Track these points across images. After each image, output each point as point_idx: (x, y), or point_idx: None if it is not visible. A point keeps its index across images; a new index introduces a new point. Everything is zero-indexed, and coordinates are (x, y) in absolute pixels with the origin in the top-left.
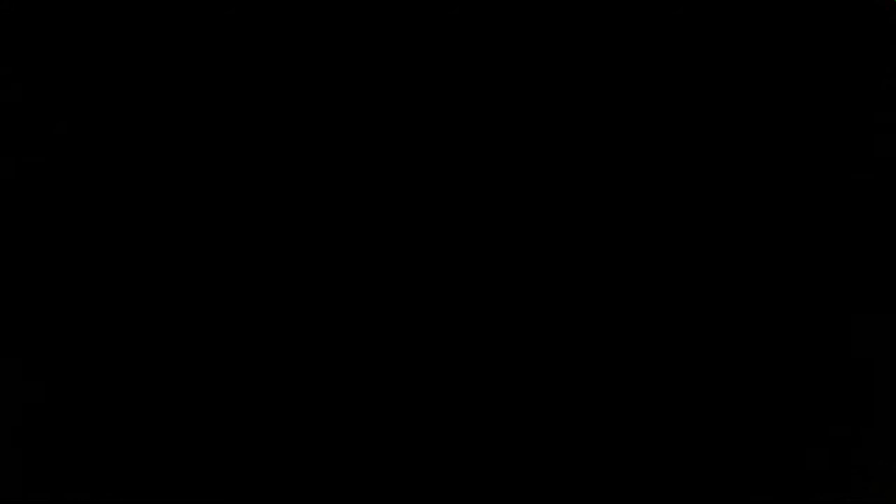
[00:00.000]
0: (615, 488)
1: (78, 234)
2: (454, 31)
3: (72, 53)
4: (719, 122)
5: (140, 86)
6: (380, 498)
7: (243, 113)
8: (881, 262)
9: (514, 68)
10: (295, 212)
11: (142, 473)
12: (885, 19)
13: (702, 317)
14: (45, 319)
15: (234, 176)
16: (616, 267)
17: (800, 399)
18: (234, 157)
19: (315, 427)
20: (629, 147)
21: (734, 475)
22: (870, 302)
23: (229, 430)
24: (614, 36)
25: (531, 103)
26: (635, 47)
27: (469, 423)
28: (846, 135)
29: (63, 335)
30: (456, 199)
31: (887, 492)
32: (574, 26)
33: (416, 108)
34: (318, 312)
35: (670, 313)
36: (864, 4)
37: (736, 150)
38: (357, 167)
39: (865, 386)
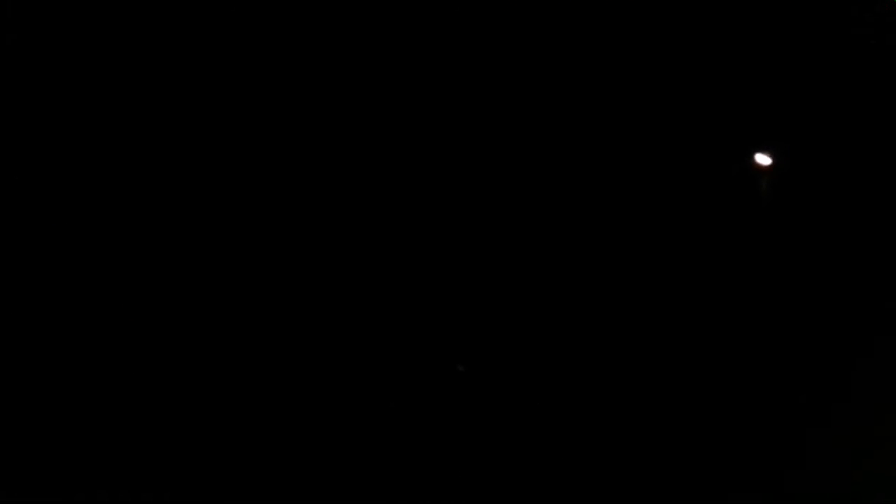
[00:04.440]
0: (615, 488)
1: (77, 233)
2: (454, 31)
3: (71, 53)
4: (717, 123)
5: (140, 86)
6: (379, 498)
7: (243, 113)
8: (881, 263)
9: (514, 69)
10: (293, 212)
11: (140, 473)
12: (886, 19)
13: (699, 317)
14: (45, 319)
15: (234, 176)
16: (614, 268)
17: (797, 399)
18: (233, 157)
19: (313, 427)
20: (627, 148)
21: (733, 475)
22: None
23: (227, 430)
24: (613, 36)
25: (531, 104)
26: (636, 48)
27: (467, 423)
28: (846, 134)
29: (62, 335)
30: (455, 199)
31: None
32: (573, 26)
33: (416, 109)
34: (316, 312)
35: (667, 314)
36: (865, 4)
37: (734, 151)
38: (356, 167)
39: (865, 387)
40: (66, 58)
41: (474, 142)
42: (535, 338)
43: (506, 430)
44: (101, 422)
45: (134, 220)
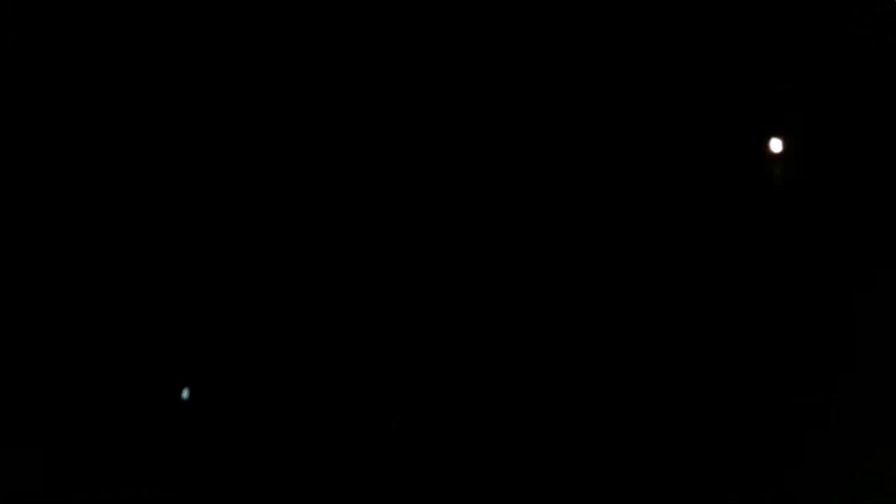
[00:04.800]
0: (615, 489)
1: (76, 234)
2: (454, 31)
3: (71, 53)
4: (716, 123)
5: (140, 86)
6: (379, 498)
7: (243, 114)
8: (881, 262)
9: (514, 68)
10: (293, 212)
11: (140, 473)
12: (886, 19)
13: (699, 316)
14: (45, 319)
15: (234, 176)
16: (614, 268)
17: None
18: (233, 157)
19: (313, 427)
20: (628, 147)
21: (733, 475)
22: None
23: (227, 431)
24: (614, 36)
25: (530, 104)
26: (636, 48)
27: (467, 423)
28: (845, 134)
29: (62, 335)
30: (454, 199)
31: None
32: (573, 26)
33: (416, 109)
34: (316, 312)
35: (667, 313)
36: (865, 4)
37: (734, 151)
38: (356, 167)
39: (864, 386)
40: (67, 58)
41: (476, 146)
42: (536, 342)
43: (507, 432)
44: (101, 422)
45: (134, 220)
